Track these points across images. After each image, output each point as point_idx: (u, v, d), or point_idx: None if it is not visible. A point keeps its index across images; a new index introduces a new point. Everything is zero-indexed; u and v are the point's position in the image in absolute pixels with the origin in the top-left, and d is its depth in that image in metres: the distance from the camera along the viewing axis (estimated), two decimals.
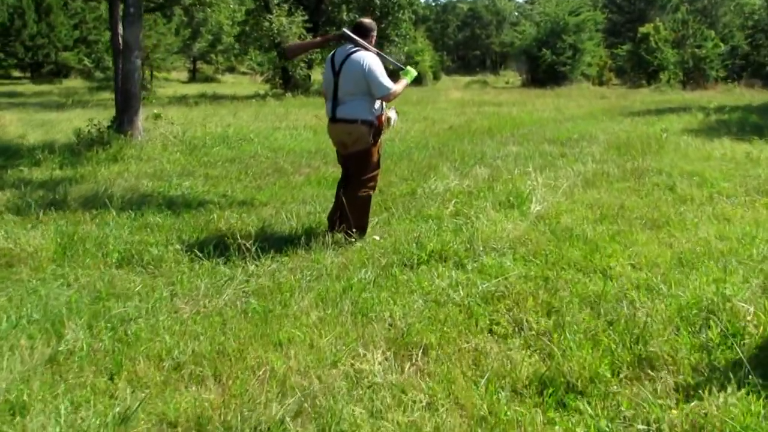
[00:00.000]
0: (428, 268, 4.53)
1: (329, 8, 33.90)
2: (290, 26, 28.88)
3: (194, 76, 61.27)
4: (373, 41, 5.30)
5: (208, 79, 59.43)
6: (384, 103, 5.30)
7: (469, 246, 4.95)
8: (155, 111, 11.53)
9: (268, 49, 30.85)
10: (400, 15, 33.67)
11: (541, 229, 5.52)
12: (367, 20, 5.37)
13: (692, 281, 4.17)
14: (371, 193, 5.42)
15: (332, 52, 5.30)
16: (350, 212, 5.18)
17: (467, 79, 57.30)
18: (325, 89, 5.35)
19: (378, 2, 32.98)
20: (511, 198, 6.49)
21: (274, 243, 5.18)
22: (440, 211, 6.23)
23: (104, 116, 11.98)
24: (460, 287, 4.10)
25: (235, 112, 18.66)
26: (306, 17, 30.00)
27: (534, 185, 6.91)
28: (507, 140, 12.05)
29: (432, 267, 4.56)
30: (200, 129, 12.66)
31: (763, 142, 10.55)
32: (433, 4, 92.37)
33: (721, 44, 47.13)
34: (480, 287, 4.12)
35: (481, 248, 4.89)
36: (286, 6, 30.61)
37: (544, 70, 43.82)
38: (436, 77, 53.72)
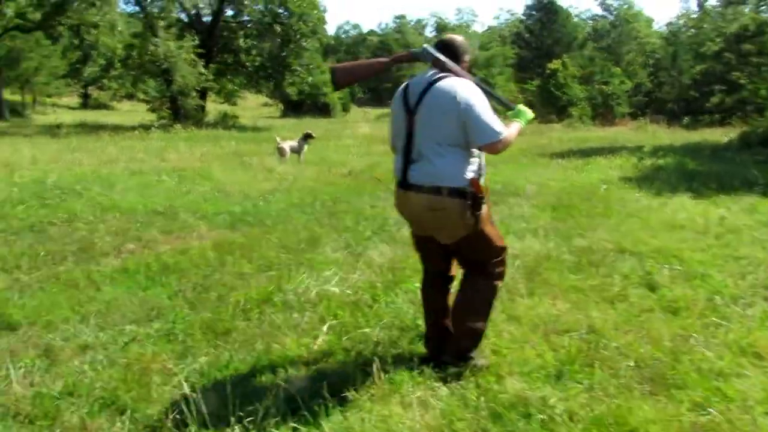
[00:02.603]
0: None
1: (224, 33, 31.14)
2: (179, 51, 25.97)
3: (86, 103, 56.81)
4: (466, 68, 3.40)
5: (101, 107, 55.16)
6: (482, 160, 3.34)
7: None
8: None
9: (154, 75, 27.72)
10: (303, 43, 31.24)
11: (472, 404, 3.07)
12: (458, 37, 3.49)
13: None
14: (500, 283, 3.54)
15: (405, 83, 3.44)
16: (469, 311, 3.43)
17: (378, 111, 55.50)
18: (393, 138, 3.46)
19: (279, 29, 30.51)
20: (418, 314, 4.04)
21: None
22: (302, 347, 3.72)
23: None
24: None
25: (97, 148, 15.60)
26: (197, 42, 27.18)
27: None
28: None
29: None
30: (24, 173, 9.73)
31: (728, 199, 8.60)
32: (344, 35, 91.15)
33: (627, 81, 47.51)
34: None
35: None
36: (174, 30, 27.72)
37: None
38: (345, 109, 51.84)
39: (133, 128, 24.67)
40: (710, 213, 7.62)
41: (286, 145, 13.88)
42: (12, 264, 5.38)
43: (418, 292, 4.53)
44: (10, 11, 33.06)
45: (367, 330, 3.89)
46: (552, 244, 6.10)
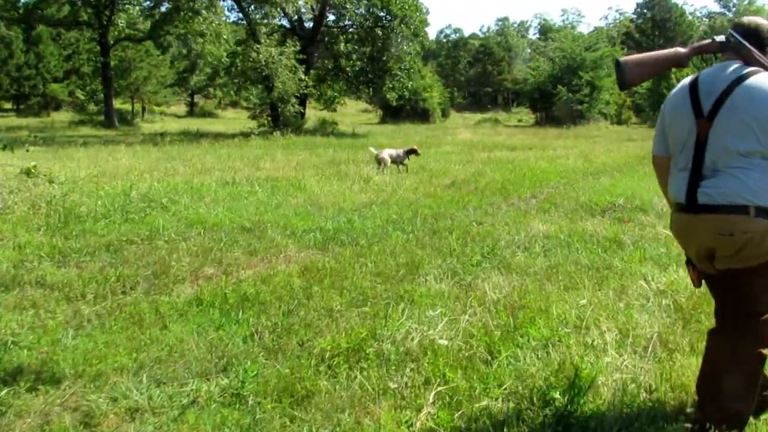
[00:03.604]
0: None
1: (326, 38, 30.93)
2: (280, 57, 25.87)
3: (192, 111, 58.49)
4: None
5: (206, 114, 56.60)
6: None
7: None
8: (32, 164, 8.22)
9: (256, 82, 27.76)
10: (404, 47, 30.66)
11: None
12: (763, 20, 2.79)
13: None
14: None
15: (690, 78, 2.77)
16: (730, 379, 2.61)
17: (478, 116, 54.33)
18: (663, 146, 2.86)
19: (380, 33, 30.05)
20: (550, 377, 3.08)
21: None
22: (402, 425, 2.85)
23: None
24: None
25: (195, 156, 15.40)
26: (298, 48, 27.00)
27: (602, 353, 3.52)
28: (528, 207, 8.71)
29: None
30: (115, 184, 9.39)
31: None
32: (444, 40, 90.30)
33: None
34: None
35: None
36: (276, 36, 27.71)
37: (560, 107, 41.16)
38: (444, 114, 50.99)
39: (234, 136, 24.75)
40: None
41: (386, 154, 13.05)
42: (78, 291, 4.79)
43: (548, 343, 3.61)
44: (122, 22, 34.27)
45: (485, 402, 2.97)
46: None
